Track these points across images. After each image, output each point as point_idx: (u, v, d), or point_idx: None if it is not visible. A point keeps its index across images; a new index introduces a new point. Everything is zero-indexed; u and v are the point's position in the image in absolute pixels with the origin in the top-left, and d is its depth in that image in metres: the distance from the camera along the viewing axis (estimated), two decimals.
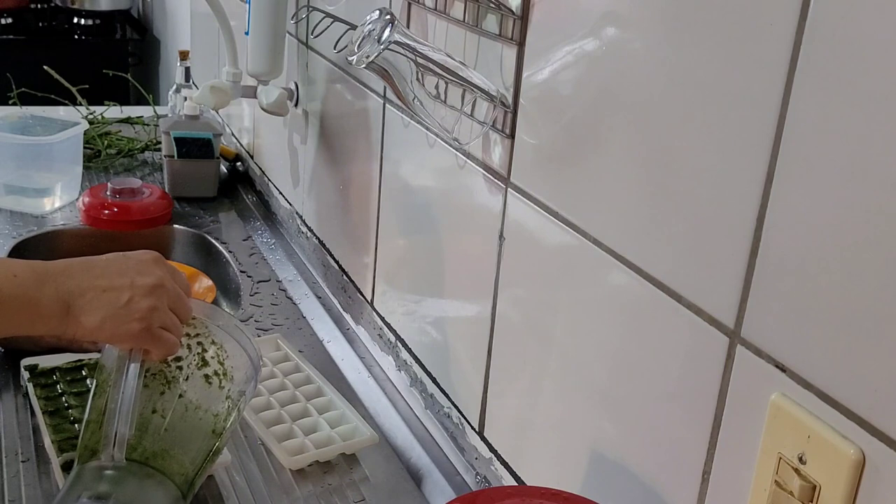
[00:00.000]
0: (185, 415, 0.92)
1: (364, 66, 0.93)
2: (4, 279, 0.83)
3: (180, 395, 0.93)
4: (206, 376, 0.95)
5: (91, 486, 0.87)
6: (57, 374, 1.18)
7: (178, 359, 0.94)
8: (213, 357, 0.96)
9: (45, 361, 1.20)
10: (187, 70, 2.14)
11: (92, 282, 0.87)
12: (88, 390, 1.11)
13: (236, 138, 2.16)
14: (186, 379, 0.94)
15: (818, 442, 0.61)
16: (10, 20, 3.57)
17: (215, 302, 1.61)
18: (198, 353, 0.95)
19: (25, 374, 1.17)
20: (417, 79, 0.98)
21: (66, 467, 1.01)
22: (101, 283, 0.87)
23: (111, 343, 0.92)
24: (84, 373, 1.19)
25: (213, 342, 0.96)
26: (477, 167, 1.04)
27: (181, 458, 0.91)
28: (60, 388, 1.16)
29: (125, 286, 0.88)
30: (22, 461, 1.05)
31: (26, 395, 1.16)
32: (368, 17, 0.96)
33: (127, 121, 2.26)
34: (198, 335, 0.96)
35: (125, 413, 0.87)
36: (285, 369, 1.26)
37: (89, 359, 1.21)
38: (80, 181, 1.86)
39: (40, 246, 1.69)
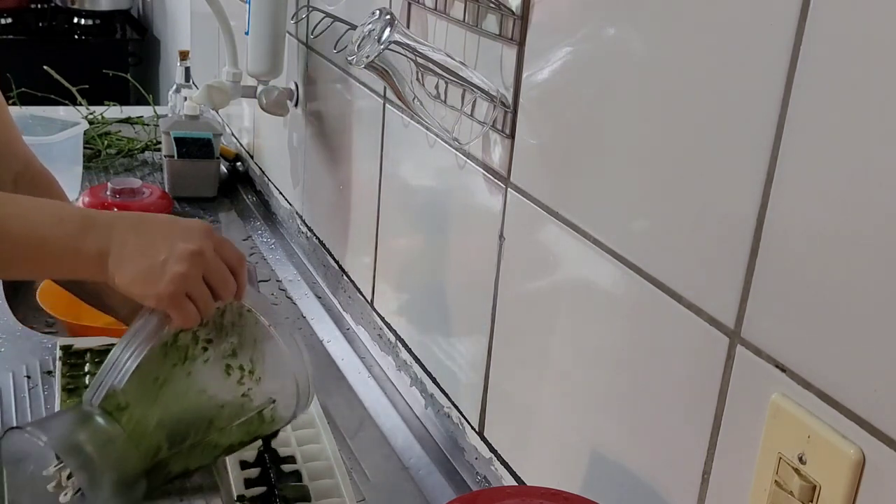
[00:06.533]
0: (185, 394, 0.89)
1: (364, 66, 0.93)
2: (51, 224, 0.86)
3: (189, 374, 0.89)
4: (228, 366, 0.91)
5: (52, 426, 0.85)
6: (88, 354, 1.20)
7: (210, 341, 0.91)
8: (246, 354, 0.91)
9: (81, 343, 1.21)
10: (187, 70, 2.13)
11: (134, 237, 0.87)
12: None
13: (236, 138, 2.16)
14: (206, 361, 0.90)
15: (818, 442, 0.61)
16: (10, 20, 3.58)
17: None
18: (231, 342, 0.92)
19: (58, 353, 1.19)
20: (417, 79, 0.98)
21: None
22: (141, 240, 0.87)
23: (139, 300, 0.89)
24: None
25: (255, 340, 0.92)
26: (477, 167, 1.04)
27: (158, 434, 0.87)
28: (86, 369, 1.18)
29: (164, 247, 0.87)
30: None
31: (51, 373, 1.19)
32: (368, 17, 0.96)
33: (127, 121, 2.26)
34: (241, 325, 0.92)
35: (121, 364, 0.86)
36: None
37: None
38: (80, 181, 1.86)
39: None
